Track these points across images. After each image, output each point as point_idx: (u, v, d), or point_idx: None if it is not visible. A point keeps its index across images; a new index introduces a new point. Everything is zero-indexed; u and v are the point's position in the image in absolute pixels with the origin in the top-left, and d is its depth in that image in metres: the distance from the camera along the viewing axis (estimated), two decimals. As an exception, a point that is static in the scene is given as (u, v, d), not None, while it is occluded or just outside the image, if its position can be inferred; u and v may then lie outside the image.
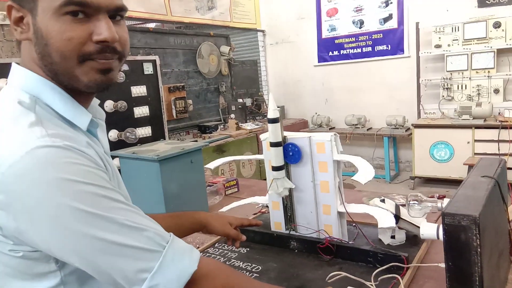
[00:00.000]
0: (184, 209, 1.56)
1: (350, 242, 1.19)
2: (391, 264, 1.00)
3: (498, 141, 3.97)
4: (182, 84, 4.34)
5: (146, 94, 2.92)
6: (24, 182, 0.55)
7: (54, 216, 0.55)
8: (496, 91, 4.26)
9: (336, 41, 5.55)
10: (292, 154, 1.18)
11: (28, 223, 0.56)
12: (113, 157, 1.50)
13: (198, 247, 1.32)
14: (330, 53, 5.64)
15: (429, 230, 0.82)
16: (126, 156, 1.56)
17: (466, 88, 4.45)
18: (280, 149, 1.17)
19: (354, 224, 1.28)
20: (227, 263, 1.19)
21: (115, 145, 2.58)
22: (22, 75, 0.67)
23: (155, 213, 1.08)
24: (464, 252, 0.66)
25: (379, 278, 0.97)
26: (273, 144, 1.16)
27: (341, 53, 5.55)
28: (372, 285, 0.96)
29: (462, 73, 4.43)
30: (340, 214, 1.18)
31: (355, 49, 5.44)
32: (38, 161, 0.55)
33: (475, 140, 4.16)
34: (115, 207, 0.59)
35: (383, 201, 1.22)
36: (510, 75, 4.22)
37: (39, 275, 0.62)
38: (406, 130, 4.82)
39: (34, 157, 0.55)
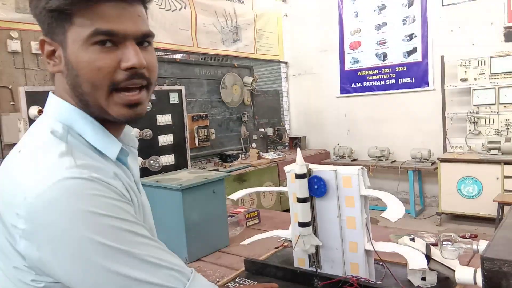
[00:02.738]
0: (206, 239, 1.55)
1: (377, 283, 1.13)
2: (423, 309, 0.94)
3: (530, 178, 3.81)
4: (206, 113, 4.41)
5: (171, 122, 2.98)
6: (49, 212, 0.55)
7: (76, 248, 0.55)
8: (526, 126, 4.13)
9: (359, 73, 5.57)
10: (317, 188, 1.15)
11: (51, 254, 0.56)
12: (136, 184, 1.52)
13: (218, 281, 1.28)
14: (353, 85, 5.64)
15: (466, 274, 0.77)
16: (149, 184, 1.56)
17: (494, 122, 4.33)
18: (307, 204, 1.15)
19: (381, 263, 1.22)
20: (247, 299, 1.15)
21: (138, 172, 2.60)
22: (56, 104, 0.68)
23: None
24: (507, 302, 0.61)
25: (410, 324, 0.91)
26: (300, 200, 1.14)
27: (364, 85, 5.55)
28: (402, 331, 0.90)
29: (490, 107, 4.33)
30: (367, 252, 1.13)
31: (378, 81, 5.43)
32: (65, 192, 0.55)
33: (505, 176, 4.00)
34: (137, 242, 0.59)
35: (412, 239, 1.17)
36: (540, 110, 4.09)
37: None
38: (431, 164, 4.70)
39: (60, 188, 0.55)
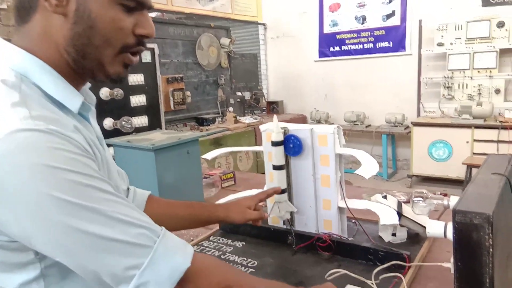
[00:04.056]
0: (180, 199, 1.52)
1: (349, 239, 1.15)
2: (392, 262, 0.96)
3: (498, 141, 3.95)
4: (181, 75, 4.28)
5: (143, 83, 2.86)
6: (2, 167, 0.50)
7: (35, 206, 0.51)
8: (497, 91, 4.23)
9: (338, 37, 5.49)
10: (293, 147, 1.13)
11: (7, 213, 0.52)
12: (107, 146, 1.46)
13: (192, 240, 1.28)
14: (331, 49, 5.58)
15: (436, 228, 0.78)
16: (120, 144, 1.51)
17: (467, 87, 4.41)
18: (283, 172, 1.14)
19: (353, 221, 1.24)
20: (222, 257, 1.15)
21: (110, 134, 2.53)
22: (8, 51, 0.62)
23: (169, 199, 1.04)
24: (475, 252, 0.62)
25: (380, 277, 0.93)
26: (276, 167, 1.13)
27: (342, 48, 5.49)
28: (372, 283, 0.92)
29: (464, 72, 4.39)
30: (340, 209, 1.15)
31: (356, 45, 5.38)
32: (18, 145, 0.50)
33: (474, 140, 4.13)
34: (102, 198, 0.55)
35: (385, 197, 1.19)
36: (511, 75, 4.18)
37: (17, 266, 0.57)
38: (405, 128, 4.79)
39: (14, 140, 0.51)
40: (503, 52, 4.19)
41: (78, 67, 0.64)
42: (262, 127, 1.23)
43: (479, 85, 4.33)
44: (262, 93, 5.69)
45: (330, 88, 5.70)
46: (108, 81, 0.69)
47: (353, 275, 0.94)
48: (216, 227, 1.33)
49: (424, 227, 1.15)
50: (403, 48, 5.04)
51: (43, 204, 0.51)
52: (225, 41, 4.94)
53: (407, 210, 1.18)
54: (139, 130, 2.74)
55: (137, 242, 0.56)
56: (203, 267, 0.62)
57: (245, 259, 1.12)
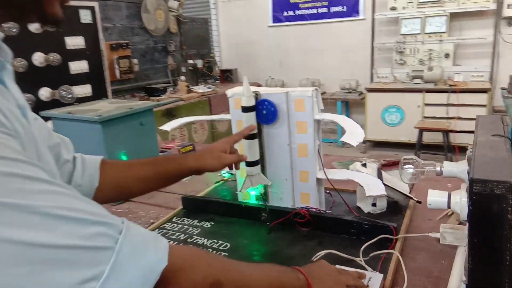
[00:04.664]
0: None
1: (327, 212, 1.06)
2: (381, 236, 0.89)
3: (447, 104, 4.08)
4: (126, 41, 3.93)
5: (84, 46, 2.53)
6: None
7: None
8: (447, 55, 4.33)
9: (291, 1, 5.32)
10: (266, 113, 1.00)
11: None
12: (45, 118, 1.24)
13: (153, 222, 1.13)
14: (285, 13, 5.41)
15: (438, 198, 0.70)
16: (60, 116, 1.29)
17: (418, 52, 4.48)
18: (256, 141, 1.01)
19: (328, 192, 1.16)
20: (188, 240, 1.01)
21: (48, 106, 2.24)
22: None
23: (130, 159, 0.86)
24: (495, 227, 0.55)
25: (370, 254, 0.85)
26: (248, 137, 0.99)
27: (296, 13, 5.34)
28: (361, 260, 0.84)
29: (416, 37, 4.44)
30: (318, 181, 1.04)
31: (310, 10, 5.25)
32: None
33: (425, 104, 4.24)
34: (32, 190, 0.39)
35: (364, 165, 1.11)
36: (461, 39, 4.29)
37: None
38: (359, 94, 4.82)
39: None
40: (454, 16, 4.27)
41: (4, 5, 0.48)
42: (229, 92, 1.08)
43: (429, 49, 4.41)
44: (214, 61, 5.45)
45: (284, 55, 5.57)
46: (42, 25, 0.56)
47: (342, 254, 0.85)
48: (179, 206, 1.19)
49: (405, 195, 1.10)
50: (357, 12, 4.99)
51: None
52: (173, 3, 4.59)
53: (387, 178, 1.11)
54: (82, 100, 2.46)
55: (91, 245, 0.40)
56: (182, 263, 0.49)
57: (215, 241, 1.00)
